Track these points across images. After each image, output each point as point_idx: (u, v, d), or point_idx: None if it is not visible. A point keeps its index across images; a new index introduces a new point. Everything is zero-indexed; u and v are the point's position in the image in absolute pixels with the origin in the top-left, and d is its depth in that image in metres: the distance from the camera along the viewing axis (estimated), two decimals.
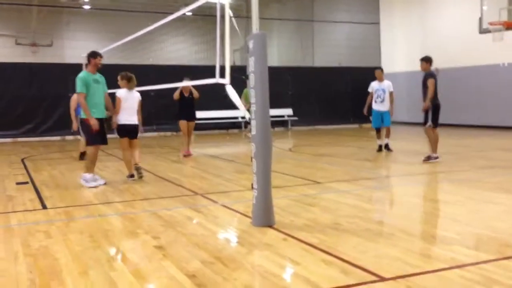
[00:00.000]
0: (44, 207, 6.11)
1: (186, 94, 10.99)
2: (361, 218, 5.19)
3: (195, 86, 10.81)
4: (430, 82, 9.13)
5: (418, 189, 7.37)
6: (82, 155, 10.44)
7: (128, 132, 7.99)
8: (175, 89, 10.96)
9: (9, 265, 3.93)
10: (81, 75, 7.44)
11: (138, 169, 7.98)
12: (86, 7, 25.63)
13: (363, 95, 11.91)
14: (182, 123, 11.09)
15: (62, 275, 3.69)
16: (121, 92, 8.01)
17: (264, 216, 4.89)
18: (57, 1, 24.43)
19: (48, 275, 3.70)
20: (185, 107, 11.08)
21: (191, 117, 11.23)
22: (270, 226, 4.83)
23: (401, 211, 5.80)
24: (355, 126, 19.76)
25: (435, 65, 9.80)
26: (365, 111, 11.30)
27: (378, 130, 11.26)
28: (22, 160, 10.99)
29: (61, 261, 3.99)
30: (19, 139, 16.14)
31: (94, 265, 3.89)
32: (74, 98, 10.18)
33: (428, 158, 9.25)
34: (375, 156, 11.00)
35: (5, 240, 4.67)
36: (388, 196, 6.92)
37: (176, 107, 11.20)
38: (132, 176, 7.95)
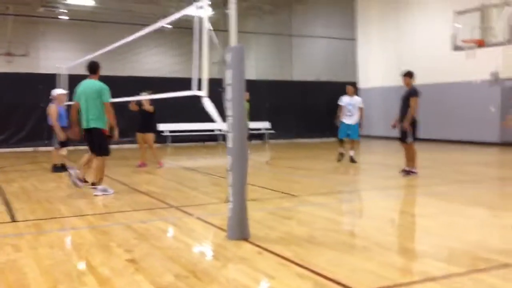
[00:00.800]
0: (14, 219, 5.95)
1: (141, 107, 11.12)
2: (336, 231, 5.20)
3: (162, 99, 10.71)
4: (414, 100, 9.07)
5: (393, 202, 7.43)
6: (56, 167, 10.30)
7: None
8: (149, 100, 11.03)
9: None
10: (104, 85, 7.60)
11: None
12: (63, 17, 25.37)
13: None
14: (137, 135, 11.30)
15: None
16: None
17: (239, 229, 4.86)
18: (34, 11, 24.14)
19: None
20: (141, 119, 11.20)
21: (147, 129, 11.25)
22: (246, 240, 4.79)
23: (376, 224, 5.84)
24: (332, 139, 19.88)
25: None
26: (337, 123, 11.93)
27: (341, 141, 11.97)
28: None
29: (29, 276, 3.88)
30: None
31: (64, 279, 3.79)
32: (53, 108, 10.04)
33: (407, 173, 9.28)
34: (351, 169, 11.09)
35: None
36: (363, 209, 6.96)
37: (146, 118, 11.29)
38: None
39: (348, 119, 11.73)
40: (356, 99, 11.88)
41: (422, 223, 5.85)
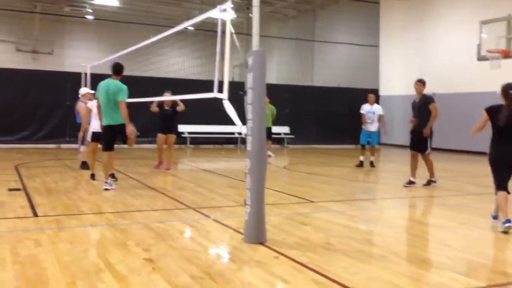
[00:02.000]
0: (35, 214, 6.06)
1: (167, 107, 10.98)
2: (353, 239, 5.18)
3: (182, 100, 10.79)
4: (434, 106, 9.00)
5: (411, 212, 7.36)
6: (84, 164, 10.32)
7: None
8: (173, 101, 10.98)
9: None
10: (124, 85, 7.90)
11: None
12: (89, 17, 25.77)
13: (359, 117, 12.61)
14: (160, 136, 11.08)
15: (49, 284, 3.65)
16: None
17: (256, 233, 4.87)
18: (60, 10, 24.57)
19: (35, 284, 3.66)
20: (164, 120, 11.06)
21: (170, 130, 11.19)
22: (262, 243, 4.80)
23: (393, 233, 5.79)
24: (351, 146, 19.80)
25: (432, 89, 9.84)
26: (365, 128, 12.38)
27: (363, 147, 12.41)
28: (16, 166, 10.93)
29: (49, 271, 3.95)
30: (14, 146, 16.07)
31: (82, 275, 3.85)
32: (82, 106, 10.16)
33: (428, 183, 9.17)
34: (369, 177, 11.03)
35: None
36: (381, 218, 6.92)
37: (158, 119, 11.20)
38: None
39: (369, 126, 12.28)
40: (376, 107, 12.47)
41: (440, 234, 5.79)
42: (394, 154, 17.81)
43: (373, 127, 12.28)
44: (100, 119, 8.20)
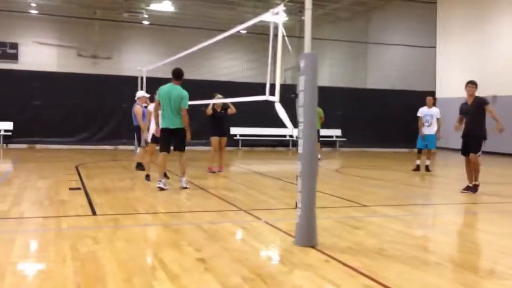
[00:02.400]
0: (94, 213, 6.31)
1: (218, 110, 11.06)
2: (407, 245, 5.05)
3: (233, 103, 10.87)
4: (491, 107, 8.78)
5: (468, 218, 7.10)
6: (139, 165, 10.62)
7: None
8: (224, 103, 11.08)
9: (57, 268, 4.07)
10: (186, 92, 8.24)
11: None
12: (145, 22, 26.57)
13: (415, 120, 12.36)
14: (214, 139, 11.08)
15: (106, 280, 3.79)
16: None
17: (307, 236, 4.85)
18: (118, 16, 25.46)
19: (93, 279, 3.81)
20: (217, 123, 11.09)
21: (223, 133, 11.26)
22: (313, 247, 4.78)
23: (450, 240, 5.60)
24: (405, 150, 19.33)
25: (492, 92, 9.45)
26: (421, 133, 12.13)
27: (419, 151, 12.24)
28: (76, 167, 11.41)
29: (106, 267, 4.10)
30: (75, 147, 16.78)
31: (138, 273, 3.97)
32: (139, 109, 10.46)
33: (468, 189, 8.77)
34: (424, 182, 10.73)
35: (55, 243, 4.85)
36: (437, 224, 6.71)
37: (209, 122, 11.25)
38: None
39: (426, 129, 12.03)
40: (434, 110, 12.19)
41: (499, 242, 5.54)
42: (451, 158, 17.22)
43: (430, 130, 11.99)
44: (157, 121, 8.44)
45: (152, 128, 9.22)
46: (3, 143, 16.18)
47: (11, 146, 16.20)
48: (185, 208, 6.87)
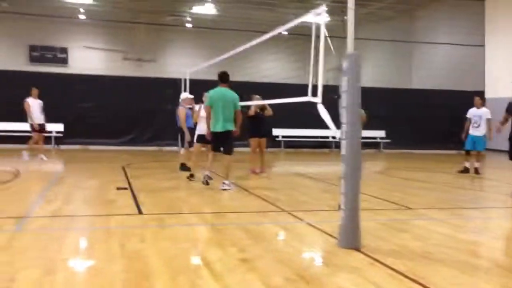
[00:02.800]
0: (140, 212, 6.46)
1: (257, 111, 11.03)
2: (455, 249, 4.92)
3: (274, 104, 10.84)
4: None
5: None
6: (183, 166, 10.79)
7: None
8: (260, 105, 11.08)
9: (105, 265, 4.21)
10: (237, 94, 8.48)
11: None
12: (188, 25, 27.01)
13: (463, 120, 12.02)
14: (254, 140, 11.00)
15: (152, 278, 3.88)
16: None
17: (351, 238, 4.81)
18: (162, 19, 25.99)
19: (140, 277, 3.91)
20: (256, 124, 10.99)
21: (263, 134, 11.20)
22: (356, 249, 4.73)
23: (501, 245, 5.42)
24: (452, 152, 18.79)
25: None
26: (463, 136, 11.77)
27: (468, 153, 11.82)
28: (123, 167, 11.71)
29: (152, 265, 4.20)
30: (122, 148, 17.24)
31: (183, 271, 4.05)
32: (182, 111, 10.65)
33: None
34: (473, 184, 10.41)
35: (104, 241, 5.01)
36: (487, 228, 6.49)
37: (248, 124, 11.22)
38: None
39: (475, 130, 11.64)
40: (483, 111, 11.77)
41: None
42: (501, 161, 16.62)
43: (479, 131, 11.58)
44: (209, 124, 8.56)
45: (200, 129, 9.39)
46: (55, 144, 16.79)
47: (62, 147, 16.79)
48: (228, 209, 6.94)
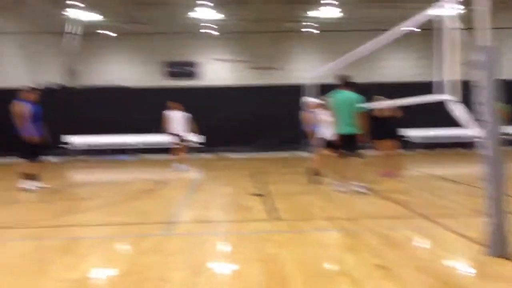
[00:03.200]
0: (275, 217, 6.65)
1: (383, 112, 10.70)
2: None
3: (403, 105, 10.40)
4: None
5: None
6: (312, 170, 10.87)
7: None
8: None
9: (244, 268, 4.41)
10: (360, 96, 8.43)
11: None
12: (311, 30, 27.18)
13: None
14: (381, 142, 10.77)
15: (288, 282, 3.97)
16: None
17: (499, 245, 4.44)
18: (285, 26, 26.49)
19: (276, 280, 4.03)
20: (382, 126, 10.71)
21: (390, 136, 10.83)
22: (507, 258, 4.36)
23: None
24: None
25: None
26: None
27: None
28: (256, 173, 12.13)
29: (287, 268, 4.31)
30: (253, 155, 17.88)
31: (317, 276, 4.09)
32: (307, 115, 10.80)
33: None
34: None
35: (241, 245, 5.25)
36: None
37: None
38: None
39: None
40: None
41: None
42: None
43: None
44: (332, 128, 8.62)
45: (323, 133, 9.44)
46: (195, 153, 17.96)
47: (200, 156, 17.90)
48: (362, 214, 6.84)
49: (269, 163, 15.31)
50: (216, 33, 27.76)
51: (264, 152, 18.15)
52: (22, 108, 9.14)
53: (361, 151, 8.57)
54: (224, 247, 5.36)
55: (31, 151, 9.32)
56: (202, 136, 17.79)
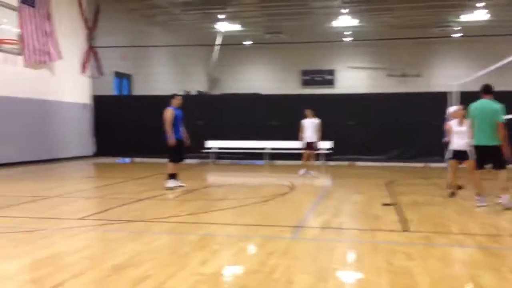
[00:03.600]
0: (407, 229, 6.37)
1: None
2: None
3: None
4: None
5: None
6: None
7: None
8: None
9: (372, 278, 4.30)
10: (500, 105, 7.88)
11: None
12: (456, 35, 25.57)
13: None
14: None
15: None
16: None
17: None
18: (428, 32, 25.27)
19: None
20: None
21: None
22: None
23: None
24: None
25: None
26: None
27: None
28: (388, 183, 11.72)
29: (419, 283, 4.11)
30: (386, 164, 17.31)
31: None
32: (449, 126, 10.19)
33: None
34: None
35: (370, 254, 5.12)
36: None
37: None
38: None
39: None
40: None
41: None
42: None
43: None
44: (470, 138, 8.06)
45: (456, 144, 8.84)
46: (325, 160, 17.93)
47: (330, 163, 17.82)
48: (505, 231, 6.25)
49: (403, 173, 14.68)
50: (353, 40, 27.51)
51: (398, 161, 17.44)
52: (170, 114, 9.98)
53: (505, 162, 7.81)
54: (352, 255, 5.28)
55: (175, 153, 10.11)
56: (332, 143, 17.70)
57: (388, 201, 8.76)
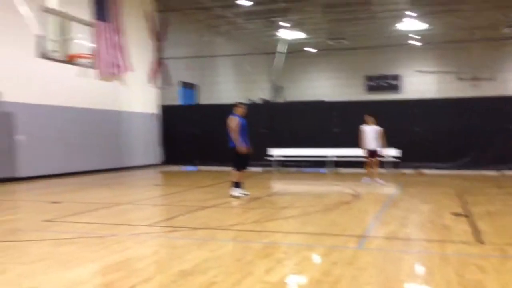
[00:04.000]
0: (479, 241, 6.07)
1: None
2: None
3: None
4: None
5: None
6: None
7: None
8: None
9: None
10: None
11: None
12: None
13: None
14: None
15: None
16: None
17: None
18: (499, 33, 24.07)
19: None
20: None
21: None
22: None
23: None
24: None
25: None
26: None
27: None
28: (459, 192, 11.21)
29: None
30: (456, 172, 16.59)
31: None
32: None
33: None
34: None
35: (439, 267, 4.92)
36: None
37: None
38: None
39: None
40: None
41: None
42: None
43: None
44: None
45: None
46: (393, 167, 17.44)
47: (398, 171, 17.33)
48: None
49: (475, 181, 14.01)
50: (420, 44, 26.68)
51: (469, 169, 16.64)
52: (235, 122, 10.10)
53: None
54: (420, 267, 5.11)
55: (240, 161, 10.22)
56: (399, 151, 17.18)
57: (458, 210, 8.39)
